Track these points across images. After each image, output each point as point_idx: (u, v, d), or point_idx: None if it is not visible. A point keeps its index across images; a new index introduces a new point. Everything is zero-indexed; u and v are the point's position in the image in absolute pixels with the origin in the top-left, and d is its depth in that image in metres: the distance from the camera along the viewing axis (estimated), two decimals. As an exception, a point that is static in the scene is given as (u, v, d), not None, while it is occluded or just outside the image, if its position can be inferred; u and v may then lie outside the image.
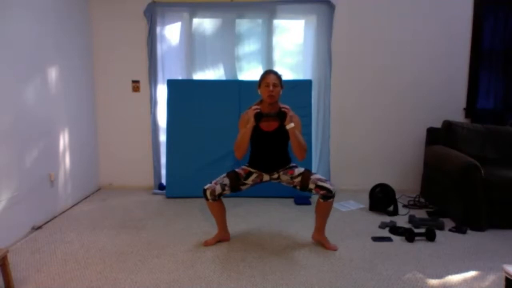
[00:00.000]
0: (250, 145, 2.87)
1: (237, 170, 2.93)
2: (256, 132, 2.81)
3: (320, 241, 2.92)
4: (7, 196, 2.88)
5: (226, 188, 2.83)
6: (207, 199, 2.83)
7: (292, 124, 2.71)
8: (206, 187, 2.83)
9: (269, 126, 2.83)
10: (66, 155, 3.76)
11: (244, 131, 2.76)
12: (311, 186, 2.77)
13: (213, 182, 2.84)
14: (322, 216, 2.87)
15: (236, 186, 2.87)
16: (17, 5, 3.01)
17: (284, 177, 2.91)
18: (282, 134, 2.78)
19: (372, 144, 4.42)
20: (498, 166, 3.57)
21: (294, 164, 2.95)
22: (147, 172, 4.44)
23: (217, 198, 2.83)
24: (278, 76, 2.83)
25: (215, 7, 4.21)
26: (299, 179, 2.83)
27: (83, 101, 4.14)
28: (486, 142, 3.80)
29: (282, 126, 2.75)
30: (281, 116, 2.73)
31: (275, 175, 2.93)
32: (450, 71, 4.27)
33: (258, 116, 2.73)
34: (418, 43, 4.25)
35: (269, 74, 2.83)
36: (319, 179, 2.78)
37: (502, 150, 3.78)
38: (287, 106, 2.75)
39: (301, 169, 2.88)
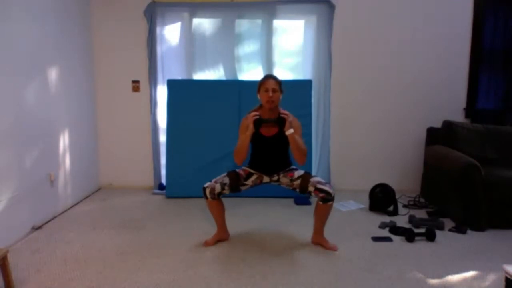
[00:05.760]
0: (250, 148, 2.87)
1: (237, 170, 2.93)
2: (257, 137, 2.80)
3: (320, 243, 2.92)
4: (7, 196, 2.88)
5: (226, 187, 2.83)
6: (206, 197, 2.83)
7: (291, 130, 2.69)
8: (206, 185, 2.83)
9: (269, 131, 2.82)
10: (66, 155, 3.76)
11: (244, 138, 2.75)
12: (311, 188, 2.77)
13: (213, 180, 2.84)
14: (321, 219, 2.87)
15: (236, 186, 2.87)
16: (17, 5, 3.01)
17: (284, 180, 2.91)
18: (282, 139, 2.76)
19: (372, 144, 4.42)
20: (498, 166, 3.57)
21: (294, 167, 2.95)
22: (147, 172, 4.44)
23: (216, 197, 2.83)
24: (277, 81, 2.80)
25: (215, 7, 4.21)
26: (298, 181, 2.83)
27: (83, 101, 4.14)
28: (486, 142, 3.79)
29: (282, 131, 2.74)
30: (281, 122, 2.72)
31: (275, 178, 2.93)
32: (450, 71, 4.27)
33: (257, 123, 2.73)
34: (418, 43, 4.25)
35: (268, 79, 2.80)
36: (319, 182, 2.77)
37: (502, 150, 3.77)
38: (286, 112, 2.73)
39: (301, 172, 2.88)
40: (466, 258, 2.75)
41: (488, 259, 2.73)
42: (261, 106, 2.86)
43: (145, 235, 3.12)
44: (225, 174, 2.89)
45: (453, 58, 4.25)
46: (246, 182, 2.91)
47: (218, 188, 2.81)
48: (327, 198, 2.73)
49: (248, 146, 2.76)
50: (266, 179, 2.95)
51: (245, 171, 2.94)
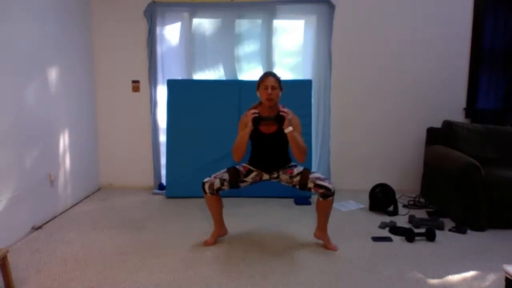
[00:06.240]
0: (250, 145, 2.87)
1: (237, 167, 2.93)
2: (256, 134, 2.81)
3: (322, 240, 2.92)
4: (7, 196, 2.88)
5: (225, 183, 2.83)
6: (205, 192, 2.83)
7: (290, 128, 2.69)
8: (205, 180, 2.83)
9: (268, 128, 2.82)
10: (66, 155, 3.76)
11: (242, 135, 2.76)
12: (310, 185, 2.77)
13: (213, 176, 2.85)
14: (323, 215, 2.86)
15: (235, 182, 2.87)
16: (17, 5, 3.01)
17: (284, 177, 2.91)
18: (282, 136, 2.77)
19: (372, 144, 4.42)
20: (498, 166, 3.57)
21: (293, 164, 2.96)
22: (147, 172, 4.44)
23: (215, 192, 2.83)
24: (277, 79, 2.81)
25: (215, 7, 4.21)
26: (298, 178, 2.83)
27: (83, 101, 4.14)
28: (486, 142, 3.79)
29: (281, 129, 2.74)
30: (280, 120, 2.72)
31: (275, 175, 2.94)
32: (450, 71, 4.27)
33: (257, 121, 2.73)
34: (418, 43, 4.25)
35: (268, 76, 2.80)
36: (318, 178, 2.78)
37: (502, 150, 3.77)
38: (286, 110, 2.74)
39: (300, 168, 2.89)
40: (466, 258, 2.75)
41: (488, 259, 2.73)
42: (260, 103, 2.86)
43: (145, 235, 3.12)
44: (225, 170, 2.90)
45: (453, 58, 4.25)
46: (245, 179, 2.92)
47: (217, 183, 2.81)
48: (327, 193, 2.73)
49: (247, 144, 2.77)
50: (265, 176, 2.95)
51: (245, 167, 2.94)
